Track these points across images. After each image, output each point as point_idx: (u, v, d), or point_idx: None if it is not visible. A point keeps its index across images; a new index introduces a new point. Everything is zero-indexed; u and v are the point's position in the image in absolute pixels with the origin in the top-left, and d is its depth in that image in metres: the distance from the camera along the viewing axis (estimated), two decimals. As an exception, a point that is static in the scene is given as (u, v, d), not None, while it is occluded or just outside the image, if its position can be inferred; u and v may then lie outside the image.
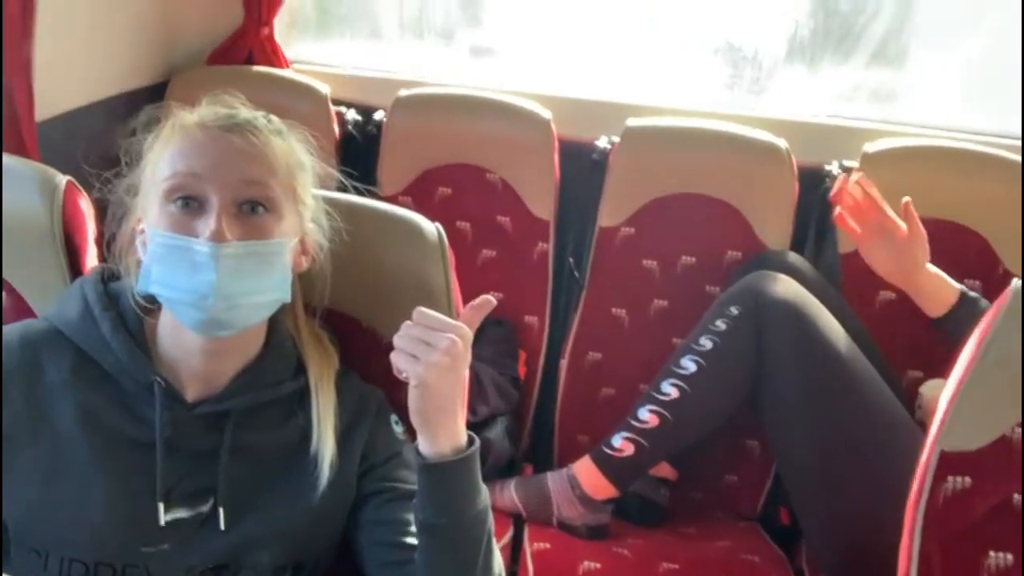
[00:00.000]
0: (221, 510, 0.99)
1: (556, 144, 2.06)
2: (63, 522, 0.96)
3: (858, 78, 2.28)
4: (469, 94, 2.16)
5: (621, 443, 1.67)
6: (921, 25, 2.24)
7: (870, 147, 1.92)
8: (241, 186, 0.97)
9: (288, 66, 2.38)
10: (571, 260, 2.10)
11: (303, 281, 1.10)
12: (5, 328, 1.03)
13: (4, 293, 1.20)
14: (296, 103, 2.15)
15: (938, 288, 1.57)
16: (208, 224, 0.94)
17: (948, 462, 1.07)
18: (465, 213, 2.08)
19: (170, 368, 1.02)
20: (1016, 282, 1.03)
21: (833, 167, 2.03)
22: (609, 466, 1.68)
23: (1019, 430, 1.05)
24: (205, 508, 1.00)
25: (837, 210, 1.63)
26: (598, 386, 1.99)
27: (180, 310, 0.97)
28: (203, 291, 0.93)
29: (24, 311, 1.19)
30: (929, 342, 1.60)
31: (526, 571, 1.60)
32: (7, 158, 1.20)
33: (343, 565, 1.09)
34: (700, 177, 1.94)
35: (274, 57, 2.34)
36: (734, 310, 1.62)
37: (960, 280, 1.60)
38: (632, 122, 1.99)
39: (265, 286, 0.99)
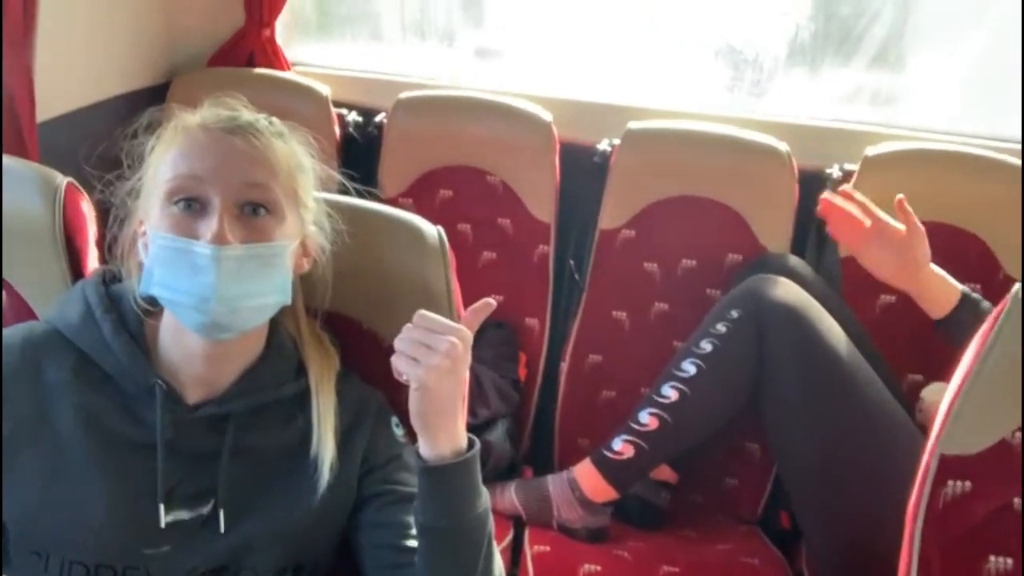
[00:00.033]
0: (221, 512, 0.99)
1: (557, 146, 2.06)
2: (64, 523, 0.96)
3: (859, 81, 2.28)
4: (470, 96, 2.17)
5: (621, 446, 1.67)
6: (921, 28, 2.24)
7: (871, 150, 1.92)
8: (243, 188, 0.97)
9: (289, 68, 2.38)
10: (572, 263, 2.10)
11: (304, 283, 1.10)
12: (7, 330, 1.03)
13: (5, 294, 1.20)
14: (297, 105, 2.15)
15: (940, 288, 1.57)
16: (210, 226, 0.94)
17: (948, 466, 1.07)
18: (466, 215, 2.08)
19: (171, 370, 1.02)
20: (1017, 287, 1.03)
21: (834, 170, 2.03)
22: (609, 469, 1.68)
23: (1019, 435, 1.05)
24: (205, 510, 1.00)
25: (828, 227, 1.64)
26: (598, 389, 1.99)
27: (181, 312, 0.97)
28: (204, 294, 0.93)
29: (25, 312, 1.19)
30: (930, 345, 1.60)
31: (526, 573, 1.60)
32: (8, 159, 1.20)
33: (343, 566, 1.09)
34: (701, 180, 1.95)
35: (275, 59, 2.34)
36: (735, 313, 1.62)
37: (960, 283, 1.60)
38: (633, 125, 1.99)
39: (266, 288, 0.99)
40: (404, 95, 2.13)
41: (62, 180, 1.19)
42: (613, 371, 1.98)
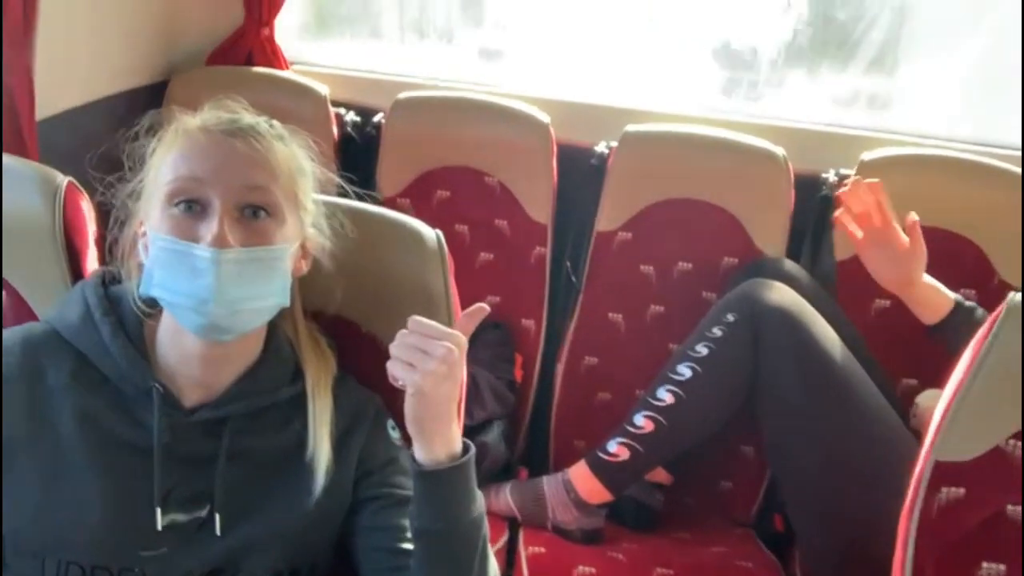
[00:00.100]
0: (217, 515, 1.00)
1: (554, 148, 2.07)
2: (61, 525, 0.96)
3: (855, 86, 2.28)
4: (468, 97, 2.17)
5: (617, 448, 1.67)
6: (918, 33, 2.25)
7: (867, 155, 1.92)
8: (243, 191, 0.97)
9: (288, 67, 2.38)
10: (568, 264, 2.11)
11: (304, 285, 1.11)
12: (6, 331, 1.03)
13: (5, 294, 1.20)
14: (295, 104, 2.16)
15: (933, 298, 1.58)
16: (210, 228, 0.94)
17: (942, 472, 1.08)
18: (463, 216, 2.09)
19: (169, 373, 1.02)
20: (1014, 295, 1.04)
21: (830, 175, 2.04)
22: (604, 471, 1.69)
23: (1013, 442, 1.06)
24: (202, 513, 1.00)
25: (840, 211, 1.64)
26: (594, 390, 1.99)
27: (181, 314, 0.97)
28: (204, 296, 0.93)
29: (24, 312, 1.19)
30: (924, 350, 1.61)
31: (521, 575, 1.60)
32: (8, 158, 1.20)
33: (340, 569, 1.09)
34: (698, 183, 1.95)
35: (274, 58, 2.34)
36: (730, 317, 1.63)
37: (956, 289, 1.61)
38: (631, 127, 2.00)
39: (266, 291, 0.99)
40: (403, 95, 2.13)
41: (62, 180, 1.19)
42: (609, 373, 1.99)
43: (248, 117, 1.02)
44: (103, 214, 1.10)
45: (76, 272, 1.20)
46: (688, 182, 1.95)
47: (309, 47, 2.51)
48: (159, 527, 0.97)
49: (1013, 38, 1.99)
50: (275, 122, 1.05)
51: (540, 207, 2.06)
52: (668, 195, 1.96)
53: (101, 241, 1.16)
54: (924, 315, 1.60)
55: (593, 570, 1.62)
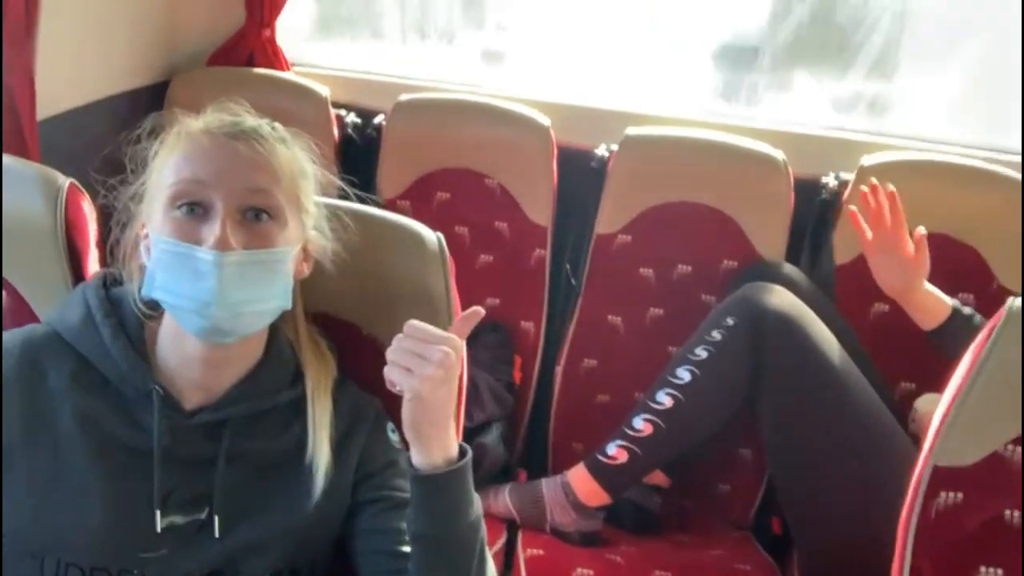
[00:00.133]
0: (216, 517, 1.00)
1: (555, 151, 2.07)
2: (61, 526, 0.96)
3: (856, 90, 2.29)
4: (469, 99, 2.18)
5: (615, 451, 1.68)
6: (918, 38, 2.25)
7: (866, 160, 1.93)
8: (246, 194, 0.97)
9: (289, 68, 2.38)
10: (568, 266, 2.11)
11: (303, 288, 1.11)
12: (8, 333, 1.03)
13: (5, 295, 1.20)
14: (296, 105, 2.16)
15: (931, 304, 1.60)
16: (212, 231, 0.94)
17: (941, 477, 1.09)
18: (463, 218, 2.09)
19: (169, 375, 1.02)
20: (1013, 301, 1.04)
21: (830, 179, 2.04)
22: (603, 473, 1.69)
23: (1012, 447, 1.06)
24: (201, 515, 1.00)
25: (853, 207, 1.65)
26: (593, 393, 2.00)
27: (183, 317, 0.97)
28: (206, 299, 0.94)
29: (25, 313, 1.19)
30: (922, 354, 1.62)
31: (519, 577, 1.61)
32: (10, 159, 1.20)
33: (340, 570, 1.09)
34: (697, 186, 1.95)
35: (275, 59, 2.34)
36: (730, 321, 1.63)
37: (954, 294, 1.62)
38: (631, 131, 2.00)
39: (268, 294, 0.99)
40: (404, 97, 2.13)
41: (64, 181, 1.19)
42: (608, 375, 1.99)
43: (250, 120, 1.02)
44: (104, 216, 1.10)
45: (77, 274, 1.20)
46: (688, 185, 1.96)
47: (312, 48, 2.52)
48: (158, 529, 0.97)
49: (1013, 42, 2.00)
50: (277, 124, 1.05)
51: (540, 209, 2.06)
52: (668, 198, 1.96)
53: (102, 243, 1.16)
54: (922, 321, 1.61)
55: (591, 572, 1.62)
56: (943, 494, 1.09)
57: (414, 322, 0.96)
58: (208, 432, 1.02)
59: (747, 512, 1.88)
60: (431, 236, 1.17)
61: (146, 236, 1.01)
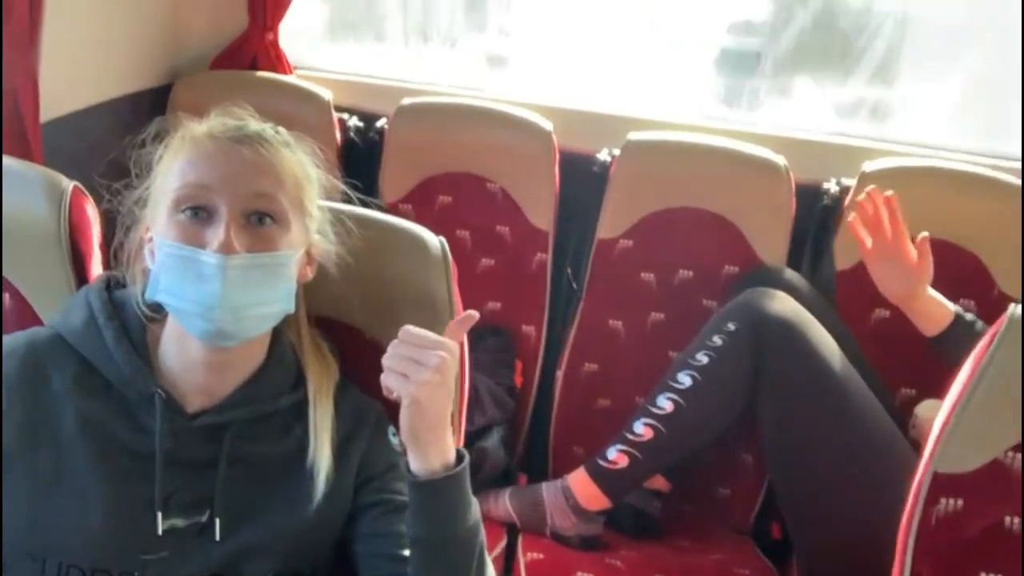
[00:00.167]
0: (217, 520, 1.00)
1: (557, 155, 2.07)
2: (62, 528, 0.97)
3: (857, 96, 2.29)
4: (471, 104, 2.18)
5: (616, 455, 1.68)
6: (920, 44, 2.26)
7: (868, 166, 1.93)
8: (250, 198, 0.97)
9: (291, 72, 2.38)
10: (569, 271, 2.12)
11: (306, 291, 1.11)
12: (12, 336, 1.03)
13: (9, 297, 1.21)
14: (299, 109, 2.16)
15: (934, 310, 1.59)
16: (216, 234, 0.94)
17: (941, 484, 1.08)
18: (465, 222, 2.09)
19: (171, 378, 1.02)
20: (1014, 308, 1.04)
21: (831, 184, 2.04)
22: (603, 478, 1.69)
23: (1012, 454, 1.06)
24: (202, 518, 1.00)
25: (852, 216, 1.64)
26: (594, 397, 2.00)
27: (187, 320, 0.97)
28: (210, 302, 0.94)
29: (29, 316, 1.19)
30: (923, 360, 1.61)
31: (519, 581, 1.61)
32: (14, 162, 1.21)
33: (341, 572, 1.09)
34: (699, 192, 1.96)
35: (278, 63, 2.35)
36: (731, 326, 1.64)
37: (955, 300, 1.62)
38: (633, 136, 2.00)
39: (271, 297, 0.99)
40: (406, 101, 2.13)
41: (68, 184, 1.19)
42: (608, 379, 1.99)
43: (254, 124, 1.03)
44: (108, 219, 1.11)
45: (81, 277, 1.20)
46: (690, 190, 1.96)
47: (324, 51, 2.52)
48: (160, 531, 0.97)
49: (1014, 48, 2.00)
50: (281, 129, 1.05)
51: (542, 214, 2.07)
52: (670, 203, 1.96)
53: (106, 246, 1.17)
54: (925, 327, 1.60)
55: (591, 577, 1.62)
56: (943, 500, 1.09)
57: (409, 327, 0.96)
58: (210, 435, 1.02)
59: (747, 517, 1.88)
60: (434, 240, 1.18)
61: (150, 239, 1.01)
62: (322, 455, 1.04)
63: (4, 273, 1.20)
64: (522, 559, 1.65)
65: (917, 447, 1.53)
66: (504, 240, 2.09)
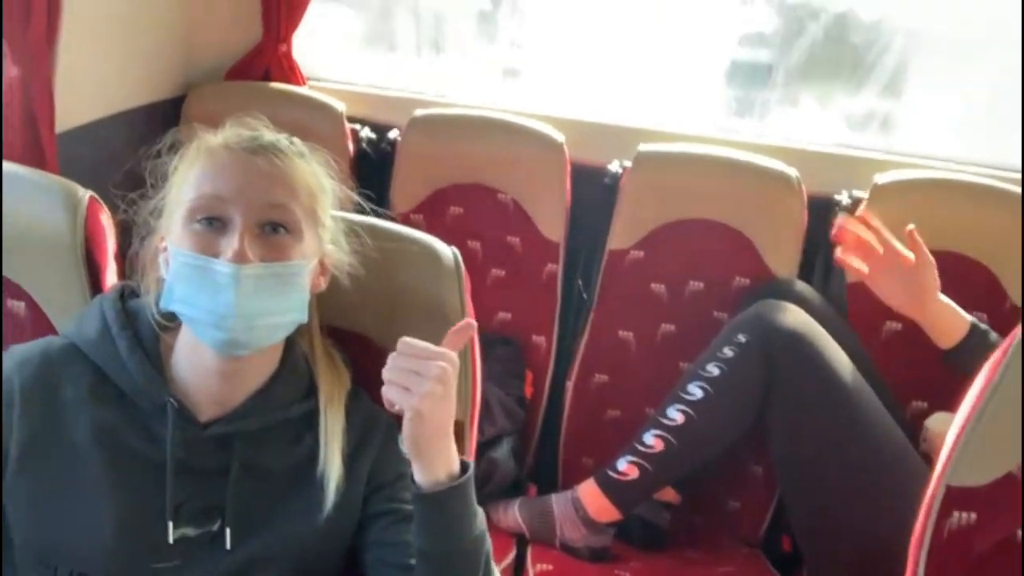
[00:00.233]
0: (228, 529, 1.00)
1: (568, 167, 2.08)
2: (74, 536, 0.97)
3: (868, 108, 2.29)
4: (483, 115, 2.19)
5: (626, 467, 1.68)
6: (931, 56, 2.26)
7: (880, 178, 1.92)
8: (265, 208, 0.98)
9: (304, 83, 2.40)
10: (580, 282, 2.12)
11: (318, 301, 1.11)
12: (25, 345, 1.04)
13: (24, 306, 1.21)
14: (312, 120, 2.17)
15: (949, 318, 1.57)
16: (231, 244, 0.95)
17: (954, 497, 1.08)
18: (476, 232, 2.10)
19: (184, 388, 1.03)
20: None
21: (843, 197, 2.04)
22: (613, 489, 1.69)
23: (1026, 469, 1.06)
24: (213, 527, 1.00)
25: (839, 251, 1.63)
26: (604, 408, 2.00)
27: (201, 329, 0.98)
28: (223, 311, 0.94)
29: (44, 324, 1.20)
30: (934, 373, 1.60)
31: (529, 592, 1.61)
32: (32, 172, 1.22)
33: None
34: (710, 203, 1.96)
35: (291, 74, 2.36)
36: (742, 338, 1.63)
37: (967, 312, 1.61)
38: (644, 147, 2.01)
39: (284, 307, 1.00)
40: (418, 113, 2.14)
41: (84, 194, 1.20)
42: (619, 391, 1.99)
43: (269, 135, 1.04)
44: (123, 229, 1.11)
45: (96, 286, 1.20)
46: (701, 202, 1.96)
47: (362, 61, 2.55)
48: (171, 540, 0.98)
49: (1019, 63, 2.00)
50: (295, 139, 1.06)
51: (553, 225, 2.07)
52: (680, 215, 1.97)
53: (121, 256, 1.17)
54: (940, 339, 1.58)
55: (601, 588, 1.62)
56: (956, 514, 1.08)
57: (408, 339, 0.96)
58: (221, 443, 1.02)
59: (757, 529, 1.87)
60: (447, 251, 1.18)
61: (165, 249, 1.01)
62: (333, 464, 1.04)
63: (20, 282, 1.21)
64: (531, 570, 1.65)
65: (928, 460, 1.52)
66: (515, 251, 2.09)
